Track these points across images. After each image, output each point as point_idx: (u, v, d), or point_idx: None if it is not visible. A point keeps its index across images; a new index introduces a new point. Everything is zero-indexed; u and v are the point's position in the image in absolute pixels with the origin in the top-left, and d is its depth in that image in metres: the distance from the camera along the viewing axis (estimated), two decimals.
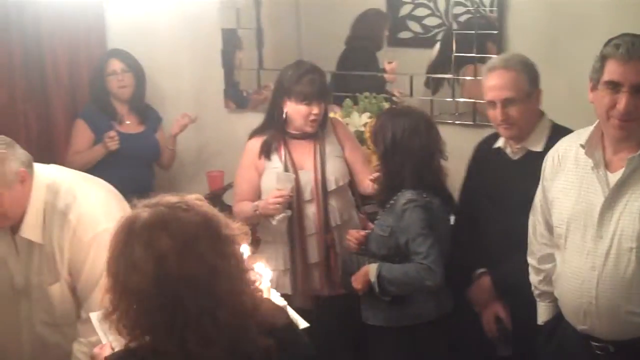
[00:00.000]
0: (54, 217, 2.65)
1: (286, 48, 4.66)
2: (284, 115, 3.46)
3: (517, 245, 2.89)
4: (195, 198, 1.81)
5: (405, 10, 4.35)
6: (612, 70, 2.37)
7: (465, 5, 4.11)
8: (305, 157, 3.51)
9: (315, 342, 3.40)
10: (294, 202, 3.44)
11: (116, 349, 1.97)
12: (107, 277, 1.77)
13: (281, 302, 2.74)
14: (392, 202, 3.11)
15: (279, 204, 3.34)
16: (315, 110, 3.40)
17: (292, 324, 1.96)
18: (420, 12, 4.30)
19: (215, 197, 4.52)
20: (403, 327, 3.15)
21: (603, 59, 2.41)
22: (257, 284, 1.83)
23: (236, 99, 4.82)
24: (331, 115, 3.85)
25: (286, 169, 3.46)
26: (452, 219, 3.34)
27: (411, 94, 4.33)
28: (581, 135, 2.56)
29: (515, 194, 2.94)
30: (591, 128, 2.53)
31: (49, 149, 4.52)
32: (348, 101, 4.26)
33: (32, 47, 4.41)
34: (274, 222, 3.40)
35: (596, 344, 2.50)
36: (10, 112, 4.34)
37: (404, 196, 3.07)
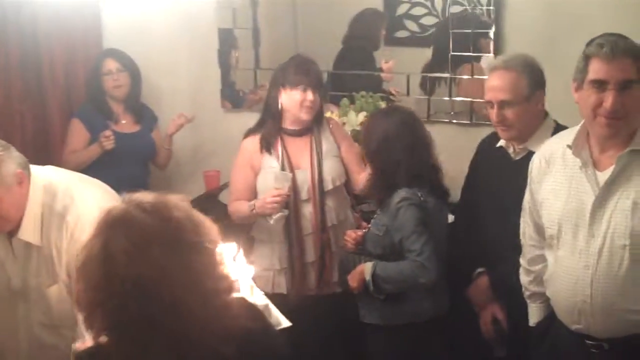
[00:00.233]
0: (52, 219, 2.64)
1: (283, 48, 4.64)
2: (279, 106, 3.46)
3: (516, 246, 2.87)
4: (179, 199, 1.79)
5: (402, 9, 4.36)
6: (597, 69, 2.37)
7: (462, 4, 4.10)
8: (302, 156, 3.51)
9: (311, 341, 3.44)
10: (291, 202, 3.43)
11: None
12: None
13: (263, 301, 2.74)
14: (388, 201, 3.11)
15: (276, 203, 3.34)
16: (310, 96, 3.41)
17: (265, 327, 1.93)
18: (417, 11, 4.31)
19: (212, 197, 4.52)
20: (399, 326, 3.15)
21: (587, 58, 2.40)
22: (226, 289, 1.78)
23: (232, 98, 4.82)
24: (327, 114, 3.85)
25: (283, 168, 3.45)
26: (451, 217, 3.34)
27: (408, 93, 4.33)
28: (567, 136, 2.56)
29: (515, 194, 2.90)
30: (576, 128, 2.53)
31: (45, 149, 4.52)
32: (345, 100, 4.25)
33: (29, 47, 4.40)
34: (272, 222, 3.40)
35: (591, 342, 2.49)
36: (6, 112, 4.33)
37: (398, 195, 3.07)
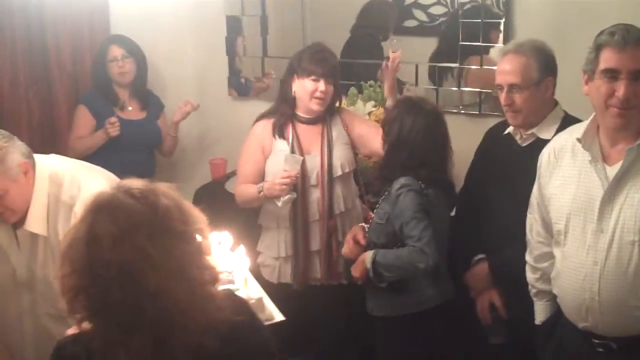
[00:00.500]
0: (59, 209, 2.64)
1: (291, 36, 4.63)
2: (292, 94, 3.45)
3: (519, 233, 2.86)
4: (168, 187, 1.79)
5: None
6: (608, 58, 2.34)
7: None
8: (313, 142, 3.50)
9: (317, 332, 3.43)
10: (299, 187, 3.43)
11: None
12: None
13: (257, 294, 2.72)
14: (389, 189, 3.11)
15: (285, 184, 3.32)
16: (322, 86, 3.38)
17: (251, 321, 1.90)
18: (426, 0, 4.26)
19: (218, 185, 4.51)
20: (407, 316, 3.14)
21: (598, 48, 2.37)
22: (210, 280, 1.78)
23: (239, 86, 4.79)
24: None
25: (293, 152, 3.45)
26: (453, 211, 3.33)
27: (416, 83, 4.29)
28: (576, 129, 2.53)
29: (521, 180, 2.91)
30: (586, 122, 2.50)
31: (52, 135, 4.54)
32: (353, 90, 4.23)
33: (36, 33, 4.40)
34: (279, 204, 3.39)
35: (598, 341, 2.46)
36: (13, 99, 4.35)
37: (398, 182, 3.07)
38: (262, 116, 3.58)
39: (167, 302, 1.68)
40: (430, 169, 3.08)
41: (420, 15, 4.30)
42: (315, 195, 3.47)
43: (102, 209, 1.71)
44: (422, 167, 3.07)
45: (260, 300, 2.70)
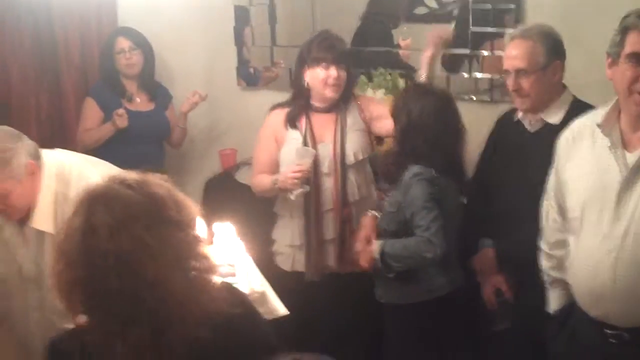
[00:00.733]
0: (67, 206, 2.60)
1: (300, 24, 4.58)
2: (306, 85, 3.43)
3: (526, 218, 2.83)
4: (159, 177, 1.80)
5: None
6: (635, 42, 2.25)
7: None
8: (326, 130, 3.47)
9: (330, 320, 3.41)
10: (311, 176, 3.41)
11: None
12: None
13: (259, 287, 2.69)
14: (401, 177, 3.09)
15: (297, 179, 3.31)
16: (333, 72, 3.36)
17: (248, 314, 1.90)
18: None
19: (228, 176, 4.50)
20: (416, 304, 3.14)
21: (624, 31, 2.28)
22: (207, 269, 1.78)
23: (247, 76, 4.76)
24: None
25: (305, 142, 3.43)
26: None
27: None
28: (597, 114, 2.46)
29: (530, 166, 2.91)
30: (607, 107, 2.43)
31: (61, 128, 4.54)
32: (363, 77, 4.19)
33: (43, 26, 4.39)
34: (292, 197, 3.38)
35: (610, 331, 2.40)
36: (21, 92, 4.35)
37: (410, 171, 3.05)
38: (278, 105, 3.57)
39: (165, 292, 1.68)
40: (444, 153, 3.06)
41: (430, 2, 4.25)
42: (329, 183, 3.45)
43: (97, 200, 1.71)
44: (436, 151, 3.04)
45: (263, 294, 2.68)
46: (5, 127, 2.62)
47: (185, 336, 1.69)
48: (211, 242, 2.83)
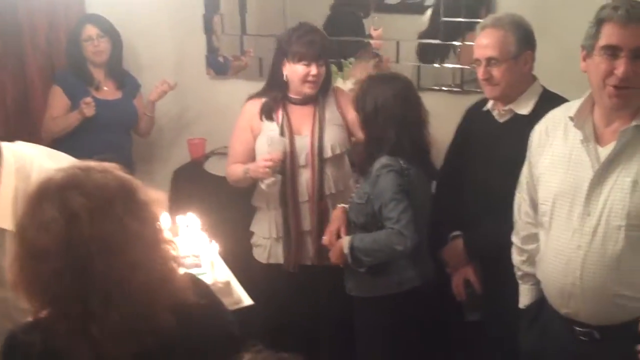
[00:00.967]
0: None
1: (270, 13, 4.55)
2: (284, 78, 3.39)
3: (495, 209, 2.84)
4: (112, 167, 1.77)
5: None
6: (610, 34, 2.24)
7: None
8: (304, 123, 3.45)
9: (307, 312, 3.40)
10: (288, 168, 3.39)
11: None
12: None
13: (224, 277, 2.68)
14: (370, 168, 3.07)
15: (268, 167, 3.28)
16: (314, 70, 3.33)
17: (212, 304, 1.89)
18: None
19: (197, 165, 4.46)
20: (385, 297, 3.13)
21: (599, 23, 2.27)
22: (172, 256, 1.78)
23: (217, 65, 4.72)
24: None
25: (282, 133, 3.40)
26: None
27: (397, 60, 4.24)
28: (571, 107, 2.44)
29: (499, 156, 2.90)
30: (581, 100, 2.41)
31: (26, 115, 4.45)
32: (333, 67, 4.16)
33: (9, 11, 4.29)
34: (263, 186, 3.36)
35: (580, 329, 2.40)
36: None
37: (379, 162, 3.03)
38: (254, 95, 3.53)
39: (148, 275, 1.67)
40: (410, 140, 3.03)
41: None
42: (305, 176, 3.43)
43: (67, 187, 1.67)
44: (403, 137, 3.02)
45: (227, 284, 2.66)
46: None
47: (159, 322, 1.67)
48: (176, 234, 2.80)
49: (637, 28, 2.22)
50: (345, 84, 4.06)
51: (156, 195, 1.78)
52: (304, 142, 3.42)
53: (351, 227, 3.16)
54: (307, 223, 3.46)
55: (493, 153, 2.98)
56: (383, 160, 3.02)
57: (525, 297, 2.72)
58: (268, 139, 3.36)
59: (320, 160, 3.42)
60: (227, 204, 3.85)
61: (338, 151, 3.46)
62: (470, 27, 3.92)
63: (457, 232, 3.20)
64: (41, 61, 4.49)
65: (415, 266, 3.10)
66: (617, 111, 2.31)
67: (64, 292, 1.65)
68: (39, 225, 1.65)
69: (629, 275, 2.28)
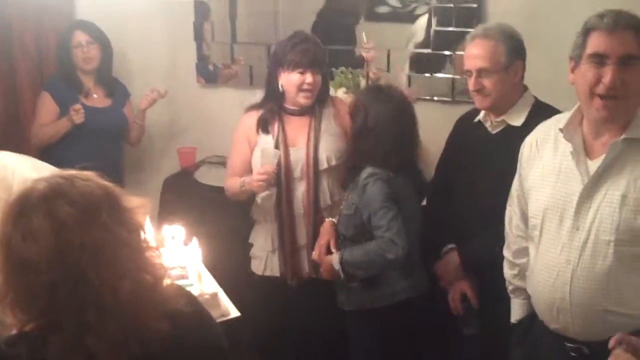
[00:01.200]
0: None
1: (261, 21, 4.53)
2: (280, 88, 3.37)
3: (488, 222, 2.82)
4: (94, 175, 1.75)
5: None
6: (596, 42, 2.23)
7: None
8: (299, 134, 3.42)
9: (302, 324, 3.37)
10: (283, 180, 3.36)
11: None
12: None
13: (211, 289, 2.66)
14: (357, 179, 3.06)
15: (262, 181, 3.25)
16: (309, 79, 3.30)
17: (198, 313, 1.87)
18: None
19: (187, 175, 4.44)
20: (378, 309, 3.10)
21: (586, 32, 2.26)
22: (158, 264, 1.76)
23: (206, 73, 4.71)
24: None
25: (277, 146, 3.37)
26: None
27: (388, 70, 4.23)
28: (561, 119, 2.43)
29: (491, 168, 2.89)
30: (572, 111, 2.40)
31: (16, 121, 4.45)
32: None
33: None
34: (259, 200, 3.35)
35: (570, 345, 2.37)
36: None
37: (365, 171, 3.02)
38: (252, 107, 3.50)
39: (139, 281, 1.65)
40: (398, 157, 3.03)
41: (392, 0, 4.23)
42: (301, 188, 3.40)
43: (52, 196, 1.64)
44: (389, 154, 3.02)
45: (214, 295, 2.65)
46: None
47: (153, 329, 1.66)
48: (163, 245, 2.78)
49: (623, 35, 2.21)
50: (337, 93, 4.04)
51: (139, 202, 1.76)
52: (299, 155, 3.39)
53: (341, 240, 3.14)
54: (302, 237, 3.42)
55: (486, 164, 2.97)
56: (369, 169, 3.01)
57: (516, 312, 2.70)
58: (261, 152, 3.33)
59: (315, 172, 3.39)
60: (218, 213, 3.83)
61: (334, 162, 3.41)
62: (463, 37, 3.92)
63: (451, 245, 3.17)
64: (31, 68, 4.49)
65: (407, 277, 3.08)
66: (604, 124, 2.29)
67: (58, 303, 1.62)
68: (25, 235, 1.63)
69: (618, 291, 2.26)
